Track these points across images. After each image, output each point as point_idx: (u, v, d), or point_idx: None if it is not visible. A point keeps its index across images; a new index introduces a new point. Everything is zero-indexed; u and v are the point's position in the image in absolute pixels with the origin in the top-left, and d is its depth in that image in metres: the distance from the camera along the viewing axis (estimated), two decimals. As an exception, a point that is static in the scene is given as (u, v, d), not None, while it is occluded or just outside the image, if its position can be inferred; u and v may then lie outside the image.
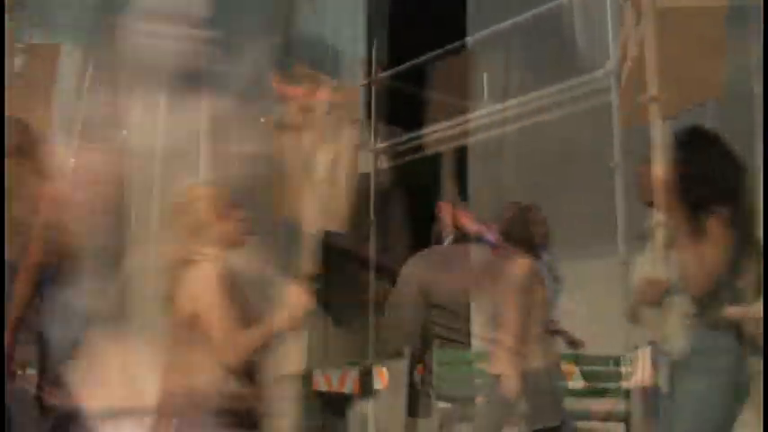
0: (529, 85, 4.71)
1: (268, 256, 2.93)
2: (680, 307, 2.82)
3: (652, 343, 4.31)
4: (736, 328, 2.70)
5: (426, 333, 4.36)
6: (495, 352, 3.57)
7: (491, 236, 4.11)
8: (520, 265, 3.58)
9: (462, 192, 4.79)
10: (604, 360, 4.90)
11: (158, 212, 4.29)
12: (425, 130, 4.88)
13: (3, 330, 2.31)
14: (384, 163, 5.78)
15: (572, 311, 4.68)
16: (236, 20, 5.70)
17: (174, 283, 2.37)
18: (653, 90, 4.23)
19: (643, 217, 4.33)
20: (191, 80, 4.95)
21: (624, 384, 4.58)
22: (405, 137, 5.46)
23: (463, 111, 4.93)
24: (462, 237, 4.32)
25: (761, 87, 3.86)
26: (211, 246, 2.40)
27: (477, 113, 4.88)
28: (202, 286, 2.31)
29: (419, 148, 4.86)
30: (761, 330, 2.92)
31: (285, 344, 2.59)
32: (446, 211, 4.41)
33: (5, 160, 2.66)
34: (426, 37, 5.13)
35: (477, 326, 4.09)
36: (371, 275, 5.38)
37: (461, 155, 5.00)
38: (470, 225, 4.32)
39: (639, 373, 4.32)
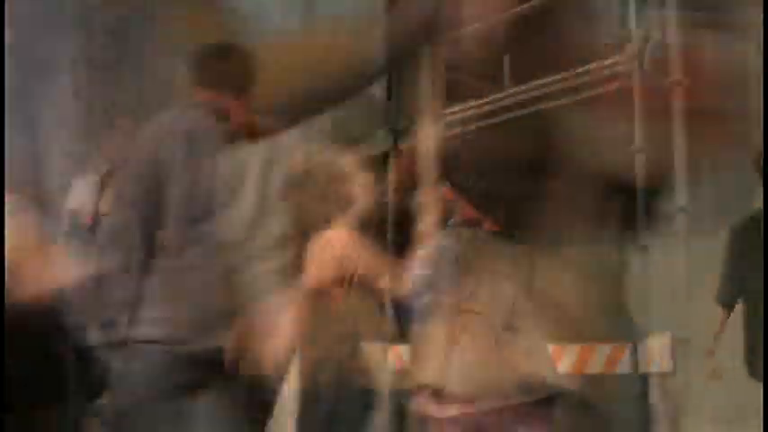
0: (548, 68, 4.70)
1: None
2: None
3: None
4: None
5: None
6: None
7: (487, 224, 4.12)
8: None
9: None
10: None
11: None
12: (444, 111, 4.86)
13: (2, 332, 2.20)
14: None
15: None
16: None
17: (306, 249, 2.44)
18: (676, 74, 4.22)
19: (660, 202, 4.34)
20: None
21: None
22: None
23: (482, 94, 4.94)
24: (462, 222, 4.31)
25: (758, 76, 3.86)
26: (342, 210, 2.48)
27: (496, 96, 4.87)
28: (352, 247, 2.40)
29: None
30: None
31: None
32: (449, 196, 4.40)
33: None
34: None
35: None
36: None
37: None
38: (470, 211, 4.31)
39: (656, 359, 4.33)
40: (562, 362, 4.50)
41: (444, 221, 4.45)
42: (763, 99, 2.08)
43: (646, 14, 4.53)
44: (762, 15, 2.30)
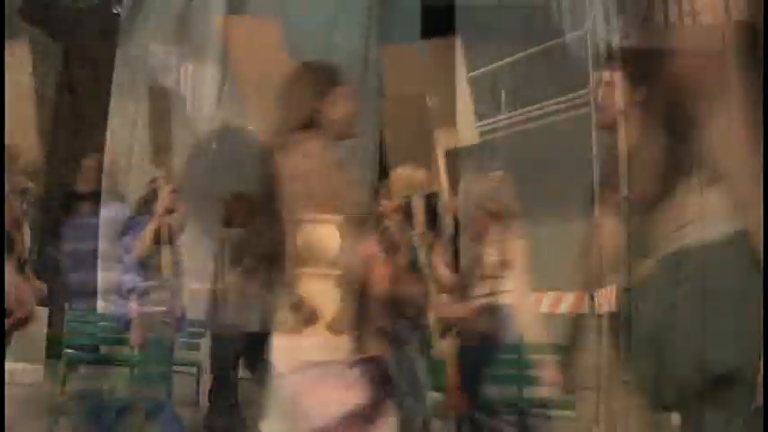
0: (531, 99, 6.40)
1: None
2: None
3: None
4: None
5: None
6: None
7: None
8: None
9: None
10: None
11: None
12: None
13: (3, 334, 2.18)
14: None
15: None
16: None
17: None
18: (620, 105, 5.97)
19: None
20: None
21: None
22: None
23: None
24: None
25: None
26: None
27: (494, 119, 6.54)
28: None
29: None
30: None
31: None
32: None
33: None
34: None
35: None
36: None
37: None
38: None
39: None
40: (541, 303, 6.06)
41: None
42: (763, 100, 2.53)
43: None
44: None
